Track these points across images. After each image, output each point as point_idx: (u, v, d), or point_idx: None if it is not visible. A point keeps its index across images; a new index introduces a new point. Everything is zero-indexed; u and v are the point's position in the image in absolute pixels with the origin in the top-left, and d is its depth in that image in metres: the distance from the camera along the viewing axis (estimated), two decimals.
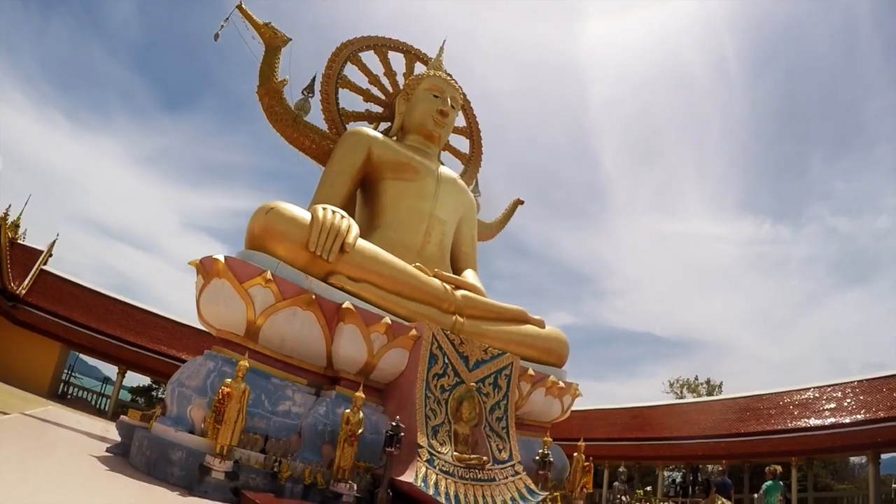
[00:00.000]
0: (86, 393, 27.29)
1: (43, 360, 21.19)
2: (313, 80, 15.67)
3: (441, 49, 17.95)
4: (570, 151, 70.29)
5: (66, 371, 26.43)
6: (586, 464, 12.75)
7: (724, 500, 11.37)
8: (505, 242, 75.76)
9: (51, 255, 23.08)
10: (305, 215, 10.07)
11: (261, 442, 8.36)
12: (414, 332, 9.97)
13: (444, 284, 11.86)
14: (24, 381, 19.47)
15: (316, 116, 15.74)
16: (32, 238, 22.29)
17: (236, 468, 7.64)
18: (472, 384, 10.22)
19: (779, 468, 7.63)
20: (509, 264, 78.41)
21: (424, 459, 8.65)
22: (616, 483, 17.16)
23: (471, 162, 19.02)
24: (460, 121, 18.98)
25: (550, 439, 11.56)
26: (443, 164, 17.27)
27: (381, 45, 17.14)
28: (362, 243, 10.62)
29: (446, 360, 10.11)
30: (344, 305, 9.36)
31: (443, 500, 8.17)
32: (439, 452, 8.98)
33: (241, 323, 9.02)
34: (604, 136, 65.65)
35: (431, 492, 8.13)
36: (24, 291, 19.40)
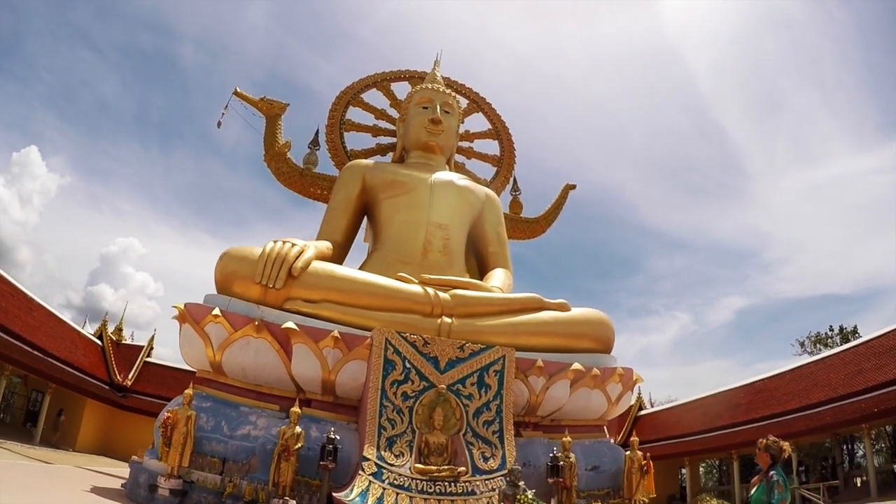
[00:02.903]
0: None
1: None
2: (316, 133, 16.85)
3: (436, 61, 18.04)
4: (693, 131, 63.22)
5: None
6: (644, 463, 10.71)
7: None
8: (657, 241, 69.34)
9: (151, 349, 27.17)
10: (258, 252, 10.67)
11: (218, 464, 8.79)
12: (369, 340, 9.69)
13: (427, 288, 11.32)
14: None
15: (327, 165, 16.77)
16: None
17: (187, 487, 8.20)
18: (443, 387, 9.44)
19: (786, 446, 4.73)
20: (667, 262, 71.20)
21: (369, 473, 8.15)
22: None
23: (502, 163, 18.32)
24: (483, 124, 18.59)
25: (569, 439, 9.92)
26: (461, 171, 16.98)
27: (382, 81, 17.82)
28: (317, 264, 10.80)
29: (407, 365, 9.53)
30: (284, 326, 9.55)
31: None
32: (392, 465, 8.38)
33: (204, 359, 9.80)
34: (721, 104, 58.12)
35: None
36: (129, 382, 23.42)
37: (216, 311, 9.65)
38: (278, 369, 9.74)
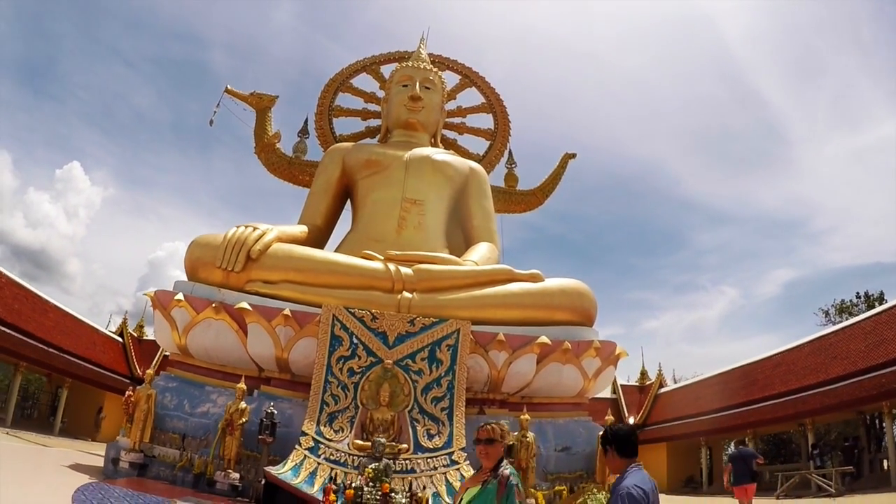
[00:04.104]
0: None
1: None
2: (305, 122, 17.14)
3: (421, 39, 17.82)
4: (731, 100, 59.49)
5: None
6: None
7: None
8: (700, 214, 66.06)
9: None
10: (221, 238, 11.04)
11: (178, 440, 9.28)
12: (318, 317, 9.84)
13: (389, 264, 11.31)
14: None
15: (318, 152, 17.05)
16: None
17: (147, 461, 8.75)
18: (389, 362, 9.46)
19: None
20: (712, 236, 67.80)
21: (305, 448, 8.31)
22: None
23: (496, 136, 17.94)
24: (477, 98, 18.26)
25: (527, 416, 9.62)
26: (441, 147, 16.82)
27: (371, 64, 17.84)
28: (278, 246, 11.03)
29: (354, 341, 9.60)
30: (237, 306, 9.87)
31: (314, 491, 7.66)
32: (330, 440, 8.49)
33: (171, 343, 10.33)
34: (758, 72, 54.25)
35: (297, 482, 7.69)
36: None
37: (179, 296, 10.13)
38: (238, 349, 10.11)
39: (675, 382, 25.12)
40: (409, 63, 16.14)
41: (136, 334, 26.76)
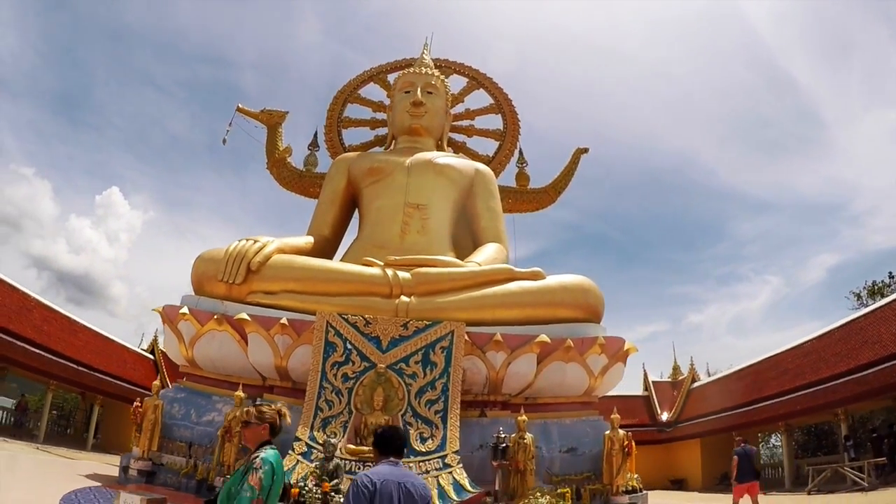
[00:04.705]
0: None
1: None
2: (315, 134, 17.54)
3: (425, 45, 17.97)
4: (762, 85, 57.14)
5: None
6: (626, 444, 9.97)
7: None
8: (739, 204, 63.67)
9: None
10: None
11: (185, 448, 9.65)
12: (314, 325, 10.03)
13: (388, 270, 11.41)
14: None
15: (328, 164, 17.40)
16: None
17: (155, 468, 9.14)
18: (382, 367, 9.54)
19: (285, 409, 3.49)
20: (752, 225, 65.24)
21: (298, 453, 8.48)
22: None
23: (505, 136, 17.85)
24: (485, 99, 18.20)
25: (524, 417, 9.41)
26: (452, 151, 16.89)
27: (378, 73, 18.11)
28: (278, 257, 11.30)
29: (348, 346, 9.72)
30: (237, 316, 10.19)
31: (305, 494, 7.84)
32: (322, 445, 8.65)
33: (179, 355, 10.77)
34: (787, 53, 51.88)
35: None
36: None
37: (184, 310, 10.57)
38: (241, 359, 10.42)
39: (710, 376, 24.13)
40: (412, 69, 16.29)
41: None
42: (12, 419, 19.38)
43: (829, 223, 61.86)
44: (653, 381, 25.32)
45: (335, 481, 7.42)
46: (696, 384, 23.43)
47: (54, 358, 17.18)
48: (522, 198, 17.31)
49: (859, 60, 53.38)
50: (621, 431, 10.15)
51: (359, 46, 66.13)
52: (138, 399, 9.89)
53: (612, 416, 10.24)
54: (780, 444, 18.37)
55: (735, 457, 9.64)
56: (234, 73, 67.58)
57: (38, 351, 16.36)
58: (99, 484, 8.72)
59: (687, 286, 70.77)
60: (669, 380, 25.72)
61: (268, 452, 3.09)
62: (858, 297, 26.39)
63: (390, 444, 3.04)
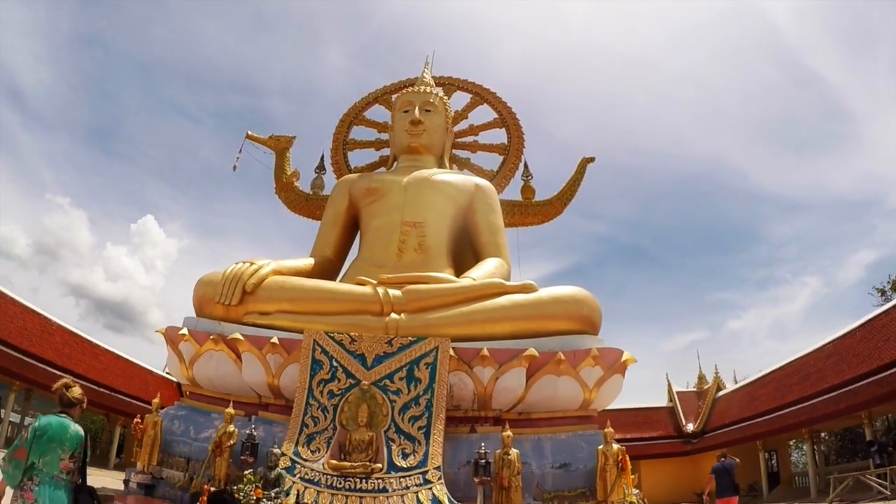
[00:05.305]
0: None
1: None
2: (322, 158, 18.10)
3: (426, 63, 18.35)
4: (788, 83, 55.21)
5: None
6: (621, 459, 9.76)
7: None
8: (772, 205, 61.40)
9: None
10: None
11: (184, 463, 10.07)
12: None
13: (379, 288, 11.62)
14: None
15: None
16: None
17: (154, 482, 9.60)
18: (366, 384, 9.71)
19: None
20: (787, 226, 62.65)
21: (282, 468, 8.67)
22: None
23: (509, 150, 17.92)
24: (488, 115, 18.34)
25: (509, 433, 9.31)
26: (454, 168, 17.10)
27: (383, 95, 18.59)
28: (274, 279, 11.67)
29: (334, 364, 9.94)
30: (230, 336, 10.59)
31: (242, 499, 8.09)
32: (306, 460, 8.82)
33: (181, 374, 11.26)
34: (811, 49, 49.94)
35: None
36: None
37: (183, 331, 11.09)
38: (237, 378, 10.79)
39: (736, 384, 23.10)
40: (410, 88, 16.65)
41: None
42: None
43: (865, 219, 59.07)
44: (677, 392, 24.43)
45: (276, 489, 7.74)
46: (721, 393, 22.47)
47: (76, 380, 18.20)
48: (528, 211, 17.28)
49: (885, 52, 51.02)
50: (615, 446, 9.90)
51: (385, 70, 67.81)
52: (139, 416, 10.41)
53: (605, 430, 10.01)
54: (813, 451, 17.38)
55: (712, 473, 9.28)
56: (262, 100, 70.35)
57: (58, 373, 17.43)
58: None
59: (725, 292, 68.61)
60: (695, 389, 24.76)
61: (44, 418, 4.06)
62: (882, 292, 24.78)
63: None
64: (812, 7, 51.05)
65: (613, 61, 60.91)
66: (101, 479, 14.83)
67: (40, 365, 16.69)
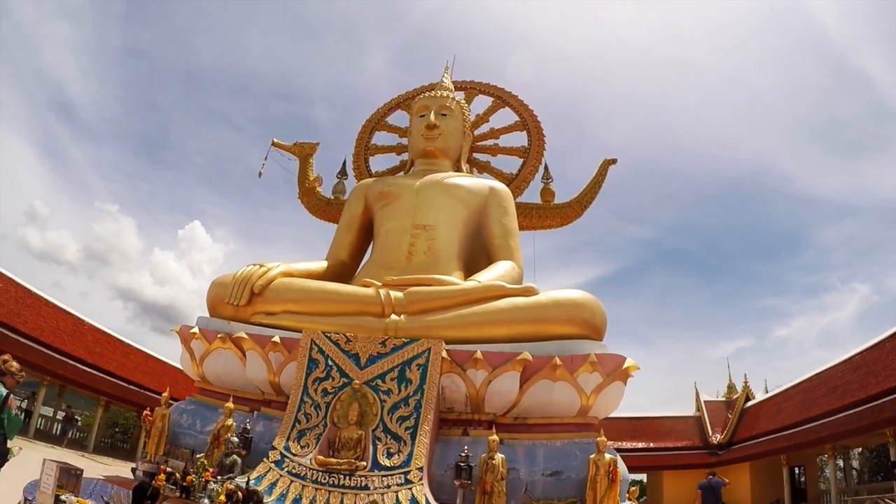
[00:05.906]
0: None
1: None
2: (344, 163, 18.57)
3: (446, 68, 18.53)
4: (834, 83, 51.62)
5: None
6: (612, 469, 9.51)
7: None
8: (820, 210, 57.66)
9: None
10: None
11: (188, 454, 10.58)
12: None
13: (381, 290, 11.83)
14: None
15: None
16: None
17: (157, 471, 10.18)
18: (358, 383, 9.93)
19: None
20: (836, 231, 58.58)
21: (272, 461, 9.01)
22: None
23: (529, 153, 17.83)
24: (510, 117, 18.30)
25: (495, 437, 9.22)
26: (470, 173, 17.17)
27: (405, 100, 18.90)
28: (281, 280, 12.05)
29: (329, 363, 10.19)
30: (235, 335, 11.07)
31: (271, 500, 8.37)
32: (295, 455, 9.10)
33: (192, 371, 11.87)
34: (857, 48, 46.43)
35: (259, 490, 8.47)
36: None
37: (194, 329, 11.69)
38: (243, 375, 11.23)
39: (766, 393, 21.89)
40: (427, 93, 16.82)
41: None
42: (59, 428, 21.77)
43: None
44: (705, 401, 23.41)
45: (229, 475, 8.12)
46: (749, 403, 21.37)
47: (105, 377, 19.46)
48: (546, 213, 17.08)
49: None
50: (608, 455, 9.67)
51: (424, 74, 68.22)
52: (149, 408, 11.06)
53: (598, 439, 9.75)
54: (837, 467, 16.25)
55: (699, 489, 8.91)
56: (306, 108, 72.42)
57: (90, 370, 18.66)
58: (102, 478, 9.95)
59: (772, 299, 65.17)
60: (724, 398, 23.66)
61: None
62: None
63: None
64: (858, 6, 48.04)
65: (658, 64, 59.27)
66: (119, 468, 15.68)
67: (70, 362, 17.92)
